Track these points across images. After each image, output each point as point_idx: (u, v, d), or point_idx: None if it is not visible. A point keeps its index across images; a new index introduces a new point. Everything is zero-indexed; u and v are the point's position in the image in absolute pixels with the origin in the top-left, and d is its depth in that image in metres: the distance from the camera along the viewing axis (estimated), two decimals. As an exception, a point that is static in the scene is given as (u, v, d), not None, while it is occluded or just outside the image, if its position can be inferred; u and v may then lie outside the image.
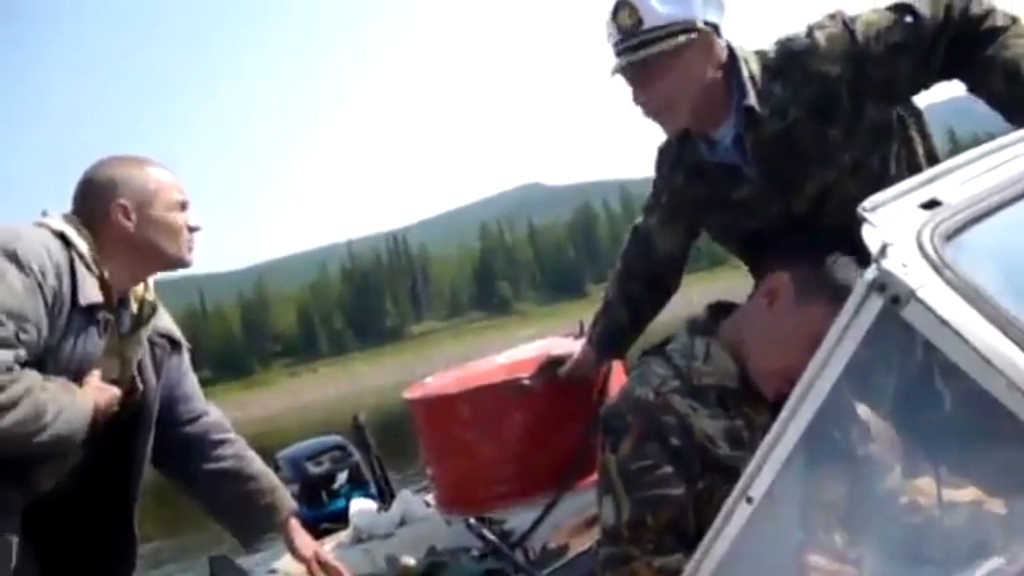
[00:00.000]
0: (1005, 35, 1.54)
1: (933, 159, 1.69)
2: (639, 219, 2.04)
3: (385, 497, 2.97)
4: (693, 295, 1.83)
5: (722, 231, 1.85)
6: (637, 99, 1.68)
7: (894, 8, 1.62)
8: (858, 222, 1.61)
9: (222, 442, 1.98)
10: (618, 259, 2.10)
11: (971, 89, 1.58)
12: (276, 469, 3.29)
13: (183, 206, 1.77)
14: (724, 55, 1.68)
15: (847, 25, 1.63)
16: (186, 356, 1.93)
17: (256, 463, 2.03)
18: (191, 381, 1.96)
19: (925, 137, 1.74)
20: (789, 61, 1.65)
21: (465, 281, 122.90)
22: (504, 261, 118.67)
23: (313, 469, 3.25)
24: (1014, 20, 1.56)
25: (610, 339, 2.11)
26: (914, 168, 1.64)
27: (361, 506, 2.76)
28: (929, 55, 1.60)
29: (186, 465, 1.96)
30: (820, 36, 1.64)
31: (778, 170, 1.66)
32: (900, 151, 1.69)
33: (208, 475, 1.94)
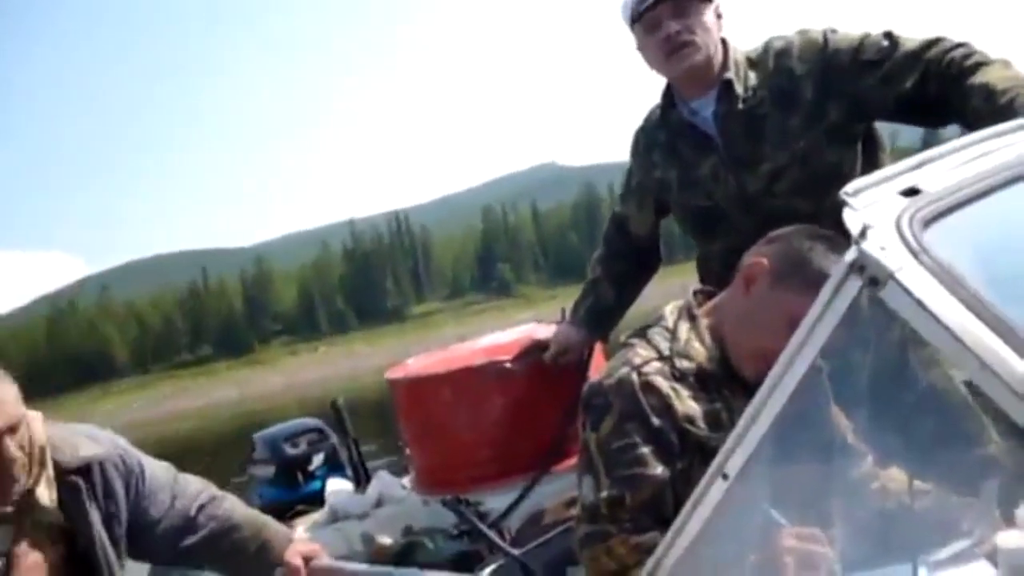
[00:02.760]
0: (987, 66, 1.64)
1: None
2: (617, 207, 2.24)
3: (361, 481, 2.98)
4: (677, 281, 1.86)
5: (680, 209, 2.03)
6: (668, 28, 1.85)
7: (881, 33, 1.78)
8: (805, 205, 1.70)
9: (197, 512, 1.93)
10: (601, 243, 2.27)
11: (960, 120, 1.67)
12: (252, 449, 3.30)
13: None
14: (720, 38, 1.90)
15: (826, 35, 1.81)
16: (130, 461, 1.82)
17: (237, 512, 1.96)
18: (149, 486, 1.85)
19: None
20: (766, 54, 1.88)
21: (467, 262, 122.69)
22: (507, 243, 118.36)
23: (290, 450, 3.25)
24: (999, 59, 1.65)
25: (597, 317, 2.19)
26: None
27: (337, 486, 2.76)
28: (895, 79, 1.73)
29: (172, 551, 1.91)
30: (797, 39, 1.84)
31: (739, 144, 1.86)
32: (864, 161, 1.85)
33: (196, 547, 1.90)
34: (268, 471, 3.18)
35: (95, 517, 1.74)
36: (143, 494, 1.85)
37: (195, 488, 1.96)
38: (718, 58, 1.87)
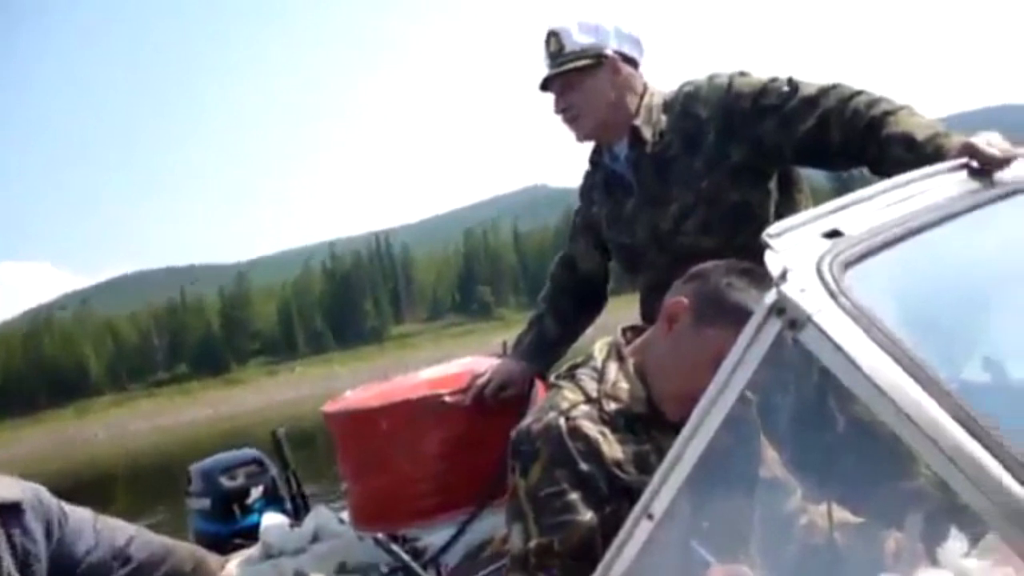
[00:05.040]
0: (896, 115, 1.68)
1: None
2: (565, 248, 2.29)
3: (300, 514, 2.92)
4: (625, 317, 1.87)
5: (611, 246, 2.11)
6: (556, 108, 2.01)
7: (784, 79, 1.84)
8: (712, 243, 1.75)
9: (127, 543, 1.93)
10: (547, 280, 2.30)
11: (875, 168, 1.71)
12: (188, 481, 3.23)
13: None
14: (638, 85, 2.00)
15: (732, 79, 1.89)
16: (48, 503, 1.79)
17: (167, 540, 1.98)
18: (72, 525, 1.82)
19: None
20: (677, 98, 1.97)
21: (448, 284, 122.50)
22: (488, 265, 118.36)
23: (227, 483, 3.14)
24: (903, 106, 1.70)
25: (539, 351, 2.20)
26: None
27: (272, 521, 2.68)
28: (792, 124, 1.79)
29: None
30: (705, 83, 1.92)
31: (651, 186, 1.96)
32: (780, 201, 1.90)
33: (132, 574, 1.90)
34: (204, 504, 3.09)
35: (7, 560, 1.70)
36: (66, 533, 1.83)
37: (120, 524, 1.95)
38: (623, 109, 1.97)
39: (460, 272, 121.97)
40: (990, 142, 1.37)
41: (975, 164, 1.34)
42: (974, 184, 1.30)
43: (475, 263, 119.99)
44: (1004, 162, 1.34)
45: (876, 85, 1.80)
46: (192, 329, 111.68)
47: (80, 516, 1.88)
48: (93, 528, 1.88)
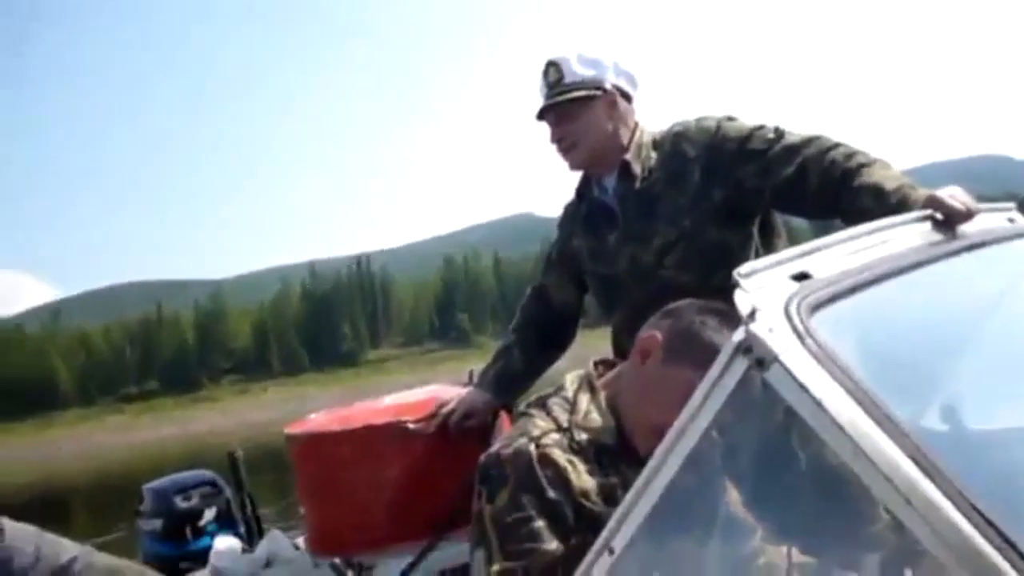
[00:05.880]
0: (869, 168, 1.73)
1: None
2: (537, 280, 2.29)
3: (253, 539, 2.84)
4: (600, 350, 1.88)
5: (590, 278, 2.13)
6: (553, 137, 2.03)
7: (771, 127, 1.89)
8: (691, 279, 1.77)
9: (69, 562, 1.88)
10: (517, 311, 2.30)
11: (845, 216, 1.75)
12: (140, 500, 3.16)
13: None
14: (631, 120, 2.04)
15: (720, 122, 1.93)
16: None
17: (114, 560, 1.92)
18: (8, 542, 1.78)
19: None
20: (667, 137, 2.01)
21: (427, 310, 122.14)
22: (467, 292, 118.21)
23: (180, 504, 3.05)
24: (877, 160, 1.76)
25: (503, 382, 2.19)
26: None
27: (224, 545, 2.57)
28: (772, 170, 1.83)
29: None
30: (694, 124, 1.97)
31: (635, 220, 1.99)
32: (756, 243, 1.94)
33: None
34: (155, 524, 3.02)
35: None
36: (2, 548, 1.78)
37: (65, 543, 1.90)
38: (617, 142, 2.01)
39: (439, 298, 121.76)
40: (954, 195, 1.41)
41: (939, 216, 1.37)
42: (937, 236, 1.33)
43: (455, 289, 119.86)
44: (967, 216, 1.37)
45: (857, 133, 1.86)
46: (166, 344, 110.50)
47: (20, 532, 1.84)
48: (35, 545, 1.83)
